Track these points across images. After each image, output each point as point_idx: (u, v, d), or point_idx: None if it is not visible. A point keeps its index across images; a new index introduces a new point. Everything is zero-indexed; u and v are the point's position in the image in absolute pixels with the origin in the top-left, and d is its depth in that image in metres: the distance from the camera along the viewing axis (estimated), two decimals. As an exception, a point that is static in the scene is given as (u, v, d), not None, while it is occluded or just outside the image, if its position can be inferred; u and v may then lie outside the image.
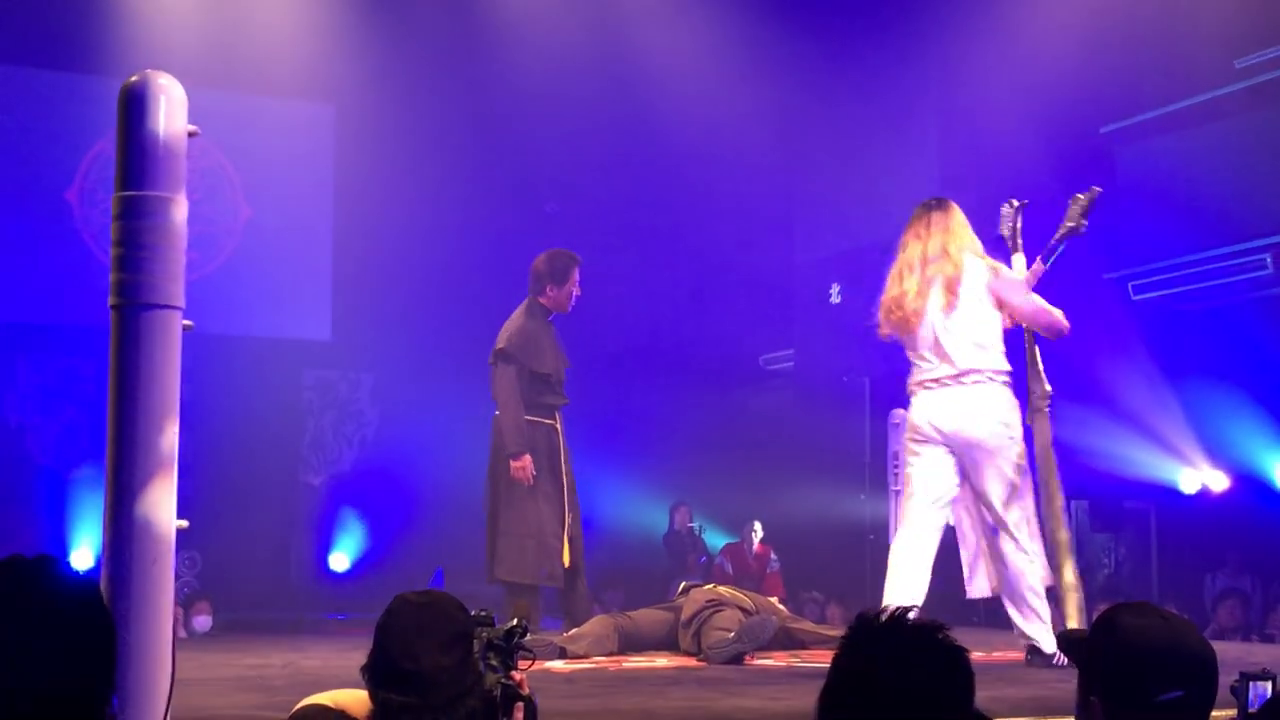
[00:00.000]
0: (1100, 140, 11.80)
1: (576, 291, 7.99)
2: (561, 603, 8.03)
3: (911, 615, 2.15)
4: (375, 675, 2.90)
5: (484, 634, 3.05)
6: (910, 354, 6.68)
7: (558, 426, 7.93)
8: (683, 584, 8.19)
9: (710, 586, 7.80)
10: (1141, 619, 2.57)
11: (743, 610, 7.29)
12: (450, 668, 2.87)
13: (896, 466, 8.02)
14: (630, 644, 7.35)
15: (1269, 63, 10.59)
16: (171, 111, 3.78)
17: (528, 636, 3.14)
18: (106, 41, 11.58)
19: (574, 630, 7.39)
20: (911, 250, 6.63)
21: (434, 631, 2.88)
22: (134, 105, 3.76)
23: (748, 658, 6.93)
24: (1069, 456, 10.75)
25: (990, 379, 6.51)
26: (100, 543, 3.76)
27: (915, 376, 6.65)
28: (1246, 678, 2.93)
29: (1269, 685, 2.88)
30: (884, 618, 2.14)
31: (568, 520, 7.85)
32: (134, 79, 3.81)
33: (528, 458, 7.67)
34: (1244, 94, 10.78)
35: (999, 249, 6.93)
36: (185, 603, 10.02)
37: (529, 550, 7.69)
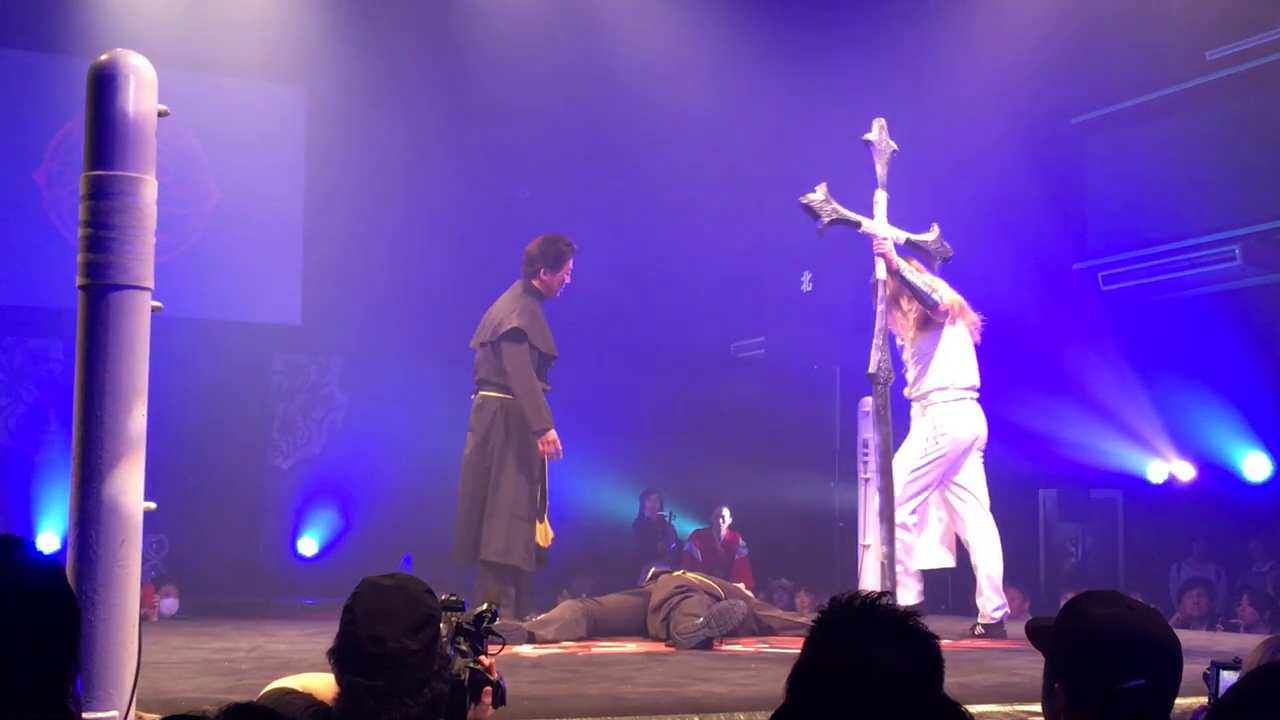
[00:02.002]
0: (1071, 130, 11.83)
1: (568, 280, 7.93)
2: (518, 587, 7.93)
3: (883, 601, 2.15)
4: (342, 659, 2.89)
5: (453, 618, 3.04)
6: (959, 357, 7.45)
7: None
8: (652, 570, 8.20)
9: (679, 573, 7.80)
10: (1107, 607, 2.58)
11: (711, 596, 7.30)
12: (417, 651, 2.86)
13: (866, 454, 8.03)
14: (599, 629, 7.34)
15: (1240, 55, 10.63)
16: (141, 91, 3.75)
17: (497, 621, 3.14)
18: (76, 21, 11.50)
19: (542, 615, 7.38)
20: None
21: (401, 615, 2.88)
22: (103, 84, 3.73)
23: (716, 643, 6.95)
24: (1037, 445, 10.82)
25: None
26: (66, 525, 3.74)
27: (966, 382, 7.49)
28: (1218, 666, 2.95)
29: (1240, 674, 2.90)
30: (856, 603, 2.14)
31: (546, 503, 7.82)
32: (103, 58, 3.78)
33: (554, 432, 7.63)
34: (1214, 86, 10.82)
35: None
36: (152, 585, 9.98)
37: (520, 532, 7.64)
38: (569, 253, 7.88)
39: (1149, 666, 2.52)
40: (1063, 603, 2.73)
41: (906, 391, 7.65)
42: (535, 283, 7.83)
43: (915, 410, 7.64)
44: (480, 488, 7.71)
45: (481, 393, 7.77)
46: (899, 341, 7.66)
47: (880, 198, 7.27)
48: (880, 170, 7.31)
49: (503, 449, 7.65)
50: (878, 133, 7.29)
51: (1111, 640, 2.53)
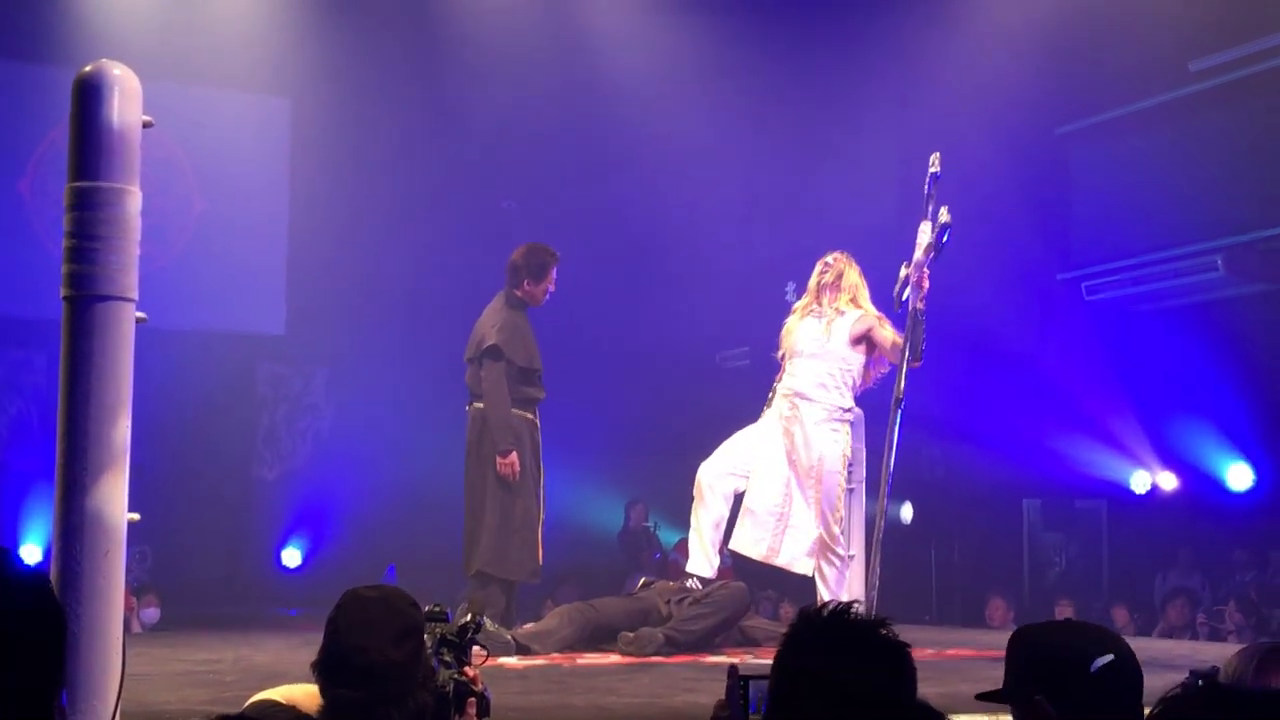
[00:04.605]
0: (1056, 141, 11.87)
1: (552, 289, 7.92)
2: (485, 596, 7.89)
3: (852, 611, 2.15)
4: (326, 670, 2.89)
5: (437, 629, 3.04)
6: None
7: (537, 421, 7.88)
8: (641, 580, 8.21)
9: (673, 585, 7.81)
10: (1043, 623, 2.71)
11: (715, 595, 7.44)
12: (401, 663, 2.86)
13: (851, 464, 8.04)
14: (599, 634, 7.32)
15: (1223, 66, 10.68)
16: (126, 102, 3.75)
17: (481, 632, 3.14)
18: (60, 31, 11.48)
19: (531, 626, 7.36)
20: None
21: (385, 626, 2.87)
22: (88, 95, 3.73)
23: (709, 653, 6.98)
24: (1021, 455, 10.83)
25: None
26: (50, 537, 3.73)
27: None
28: (1197, 676, 2.97)
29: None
30: (825, 614, 2.15)
31: (542, 516, 7.83)
32: (88, 69, 3.78)
33: (515, 454, 7.61)
34: (1198, 97, 10.87)
35: None
36: (134, 594, 9.93)
37: (513, 546, 7.61)
38: (552, 262, 7.87)
39: (1109, 645, 2.57)
40: (1054, 611, 2.77)
41: (802, 384, 7.54)
42: (518, 293, 7.82)
43: (836, 415, 7.55)
44: (473, 500, 7.73)
45: (473, 405, 7.80)
46: (803, 317, 7.52)
47: (925, 228, 7.16)
48: (932, 202, 7.22)
49: (492, 462, 7.66)
50: (938, 165, 7.23)
51: (1065, 632, 2.63)
